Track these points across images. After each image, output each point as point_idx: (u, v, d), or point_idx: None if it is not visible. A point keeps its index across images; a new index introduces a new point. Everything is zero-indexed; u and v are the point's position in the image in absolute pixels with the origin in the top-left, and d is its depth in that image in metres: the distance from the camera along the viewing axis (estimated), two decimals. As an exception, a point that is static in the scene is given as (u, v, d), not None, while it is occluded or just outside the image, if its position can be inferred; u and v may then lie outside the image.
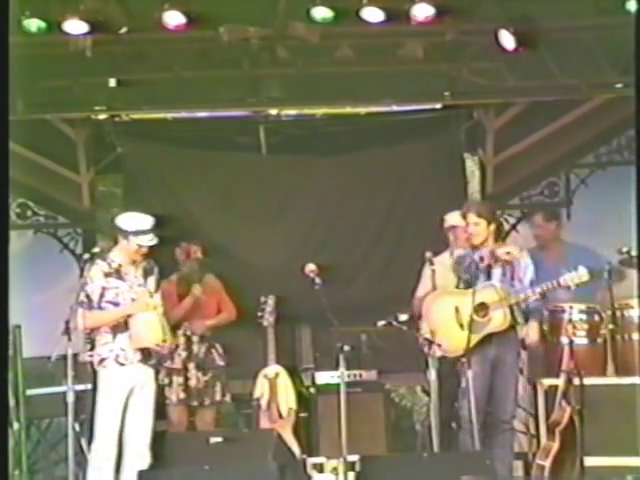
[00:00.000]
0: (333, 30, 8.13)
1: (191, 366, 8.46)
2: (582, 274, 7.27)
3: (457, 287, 7.55)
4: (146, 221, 7.07)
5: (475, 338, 7.30)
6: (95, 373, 7.00)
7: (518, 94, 9.21)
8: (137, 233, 7.00)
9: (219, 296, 8.76)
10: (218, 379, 8.52)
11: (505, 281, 7.43)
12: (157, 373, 7.28)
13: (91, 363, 7.01)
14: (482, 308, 7.35)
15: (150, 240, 7.03)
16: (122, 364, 6.96)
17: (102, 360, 6.98)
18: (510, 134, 9.87)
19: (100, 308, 6.94)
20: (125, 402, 6.96)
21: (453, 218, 8.09)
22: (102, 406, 6.92)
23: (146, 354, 7.04)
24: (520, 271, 7.45)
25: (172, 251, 8.84)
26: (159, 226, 7.12)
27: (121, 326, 6.99)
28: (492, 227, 7.49)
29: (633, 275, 7.88)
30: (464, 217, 7.56)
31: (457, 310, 7.39)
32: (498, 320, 7.32)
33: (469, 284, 7.45)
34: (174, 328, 8.51)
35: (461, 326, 7.38)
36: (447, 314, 7.42)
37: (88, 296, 6.96)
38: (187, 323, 8.55)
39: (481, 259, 7.44)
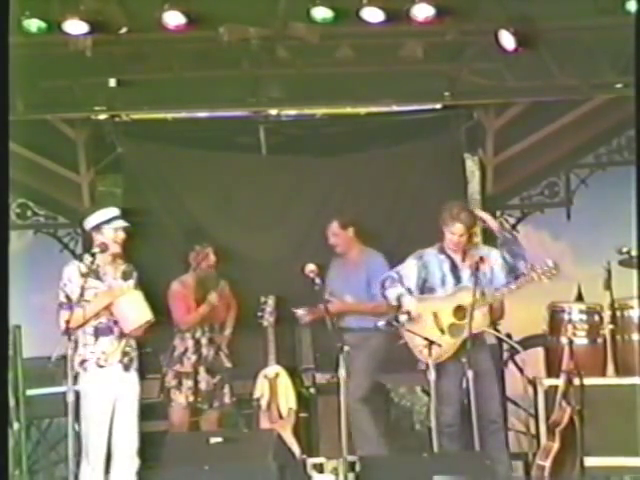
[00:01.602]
0: (333, 30, 8.12)
1: (201, 369, 8.46)
2: (551, 267, 7.26)
3: (422, 289, 7.55)
4: (112, 210, 7.14)
5: (457, 342, 7.31)
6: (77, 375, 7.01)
7: (518, 94, 9.21)
8: (109, 221, 7.04)
9: (227, 298, 8.75)
10: (226, 381, 8.50)
11: (472, 281, 7.42)
12: (142, 377, 7.27)
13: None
14: (460, 311, 7.35)
15: (121, 224, 7.05)
16: (102, 366, 6.98)
17: (83, 362, 6.99)
18: (510, 134, 9.87)
19: (80, 307, 6.93)
20: (112, 406, 6.97)
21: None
22: (86, 408, 6.92)
23: (127, 361, 7.05)
24: (488, 271, 7.44)
25: (173, 251, 8.84)
26: (124, 216, 7.15)
27: (104, 329, 7.00)
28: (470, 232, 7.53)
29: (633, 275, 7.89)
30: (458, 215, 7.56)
31: (435, 316, 7.41)
32: (477, 322, 7.32)
33: (435, 287, 7.48)
34: (185, 332, 8.53)
35: (441, 331, 7.39)
36: (426, 321, 7.44)
37: (68, 296, 6.98)
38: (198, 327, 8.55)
39: (453, 261, 7.45)
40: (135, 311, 7.03)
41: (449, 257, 7.51)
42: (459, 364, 7.28)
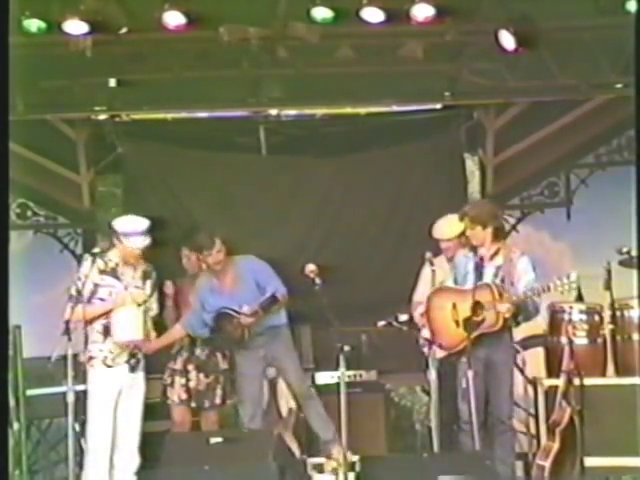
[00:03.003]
0: (333, 30, 8.12)
1: (191, 367, 8.43)
2: (572, 280, 7.24)
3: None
4: (140, 223, 7.11)
5: (469, 337, 7.31)
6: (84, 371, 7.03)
7: (518, 94, 9.21)
8: (130, 235, 7.04)
9: None
10: (220, 382, 8.47)
11: (503, 280, 7.43)
12: (147, 376, 7.28)
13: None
14: (477, 307, 7.35)
15: (142, 242, 7.05)
16: (109, 366, 6.99)
17: (90, 359, 7.00)
18: (510, 134, 9.87)
19: (90, 304, 6.94)
20: (115, 404, 6.98)
21: (435, 231, 8.14)
22: (91, 407, 6.97)
23: (133, 362, 7.06)
24: (515, 275, 7.43)
25: (173, 252, 8.83)
26: (156, 228, 7.15)
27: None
28: (489, 229, 7.49)
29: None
30: (461, 220, 7.59)
31: (454, 307, 7.40)
32: (490, 320, 7.31)
33: (460, 284, 7.50)
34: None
35: (456, 323, 7.39)
36: (444, 310, 7.44)
37: (79, 291, 6.99)
38: None
39: (480, 259, 7.46)
40: (128, 326, 7.04)
41: (477, 255, 7.51)
42: (477, 361, 7.28)
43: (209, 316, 8.06)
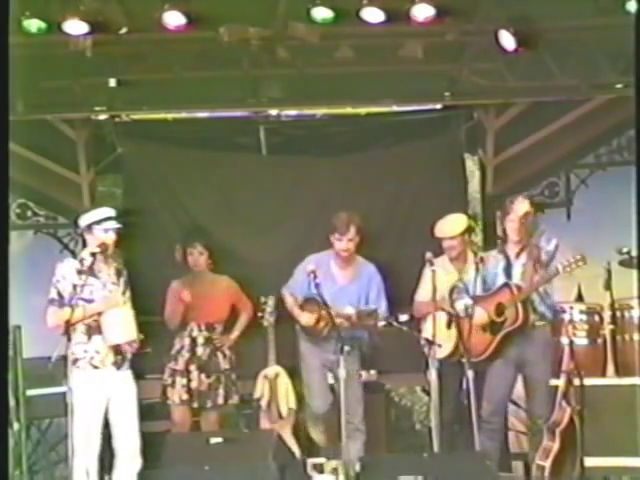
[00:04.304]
0: (333, 30, 8.12)
1: (192, 368, 8.44)
2: (578, 258, 7.30)
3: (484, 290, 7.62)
4: (106, 211, 7.13)
5: (496, 339, 7.35)
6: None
7: (518, 94, 9.21)
8: (99, 222, 7.04)
9: (234, 297, 8.70)
10: (222, 382, 8.47)
11: (525, 279, 7.49)
12: (137, 376, 7.25)
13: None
14: (499, 308, 7.41)
15: (114, 225, 7.05)
16: (96, 367, 6.96)
17: (76, 360, 6.97)
18: (510, 134, 9.86)
19: (72, 305, 6.91)
20: (105, 407, 6.96)
21: (438, 230, 8.15)
22: (78, 409, 6.83)
23: (119, 360, 7.04)
24: (540, 264, 7.49)
25: (172, 251, 8.83)
26: (121, 216, 7.15)
27: (96, 328, 6.99)
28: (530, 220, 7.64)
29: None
30: (511, 206, 7.64)
31: None
32: (511, 318, 7.37)
33: (491, 287, 7.56)
34: (184, 330, 8.52)
35: (483, 329, 7.46)
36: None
37: (60, 293, 6.97)
38: (193, 323, 8.52)
39: (509, 259, 7.52)
40: (121, 328, 7.01)
41: (506, 256, 7.57)
42: (509, 361, 7.31)
43: (303, 294, 8.09)
